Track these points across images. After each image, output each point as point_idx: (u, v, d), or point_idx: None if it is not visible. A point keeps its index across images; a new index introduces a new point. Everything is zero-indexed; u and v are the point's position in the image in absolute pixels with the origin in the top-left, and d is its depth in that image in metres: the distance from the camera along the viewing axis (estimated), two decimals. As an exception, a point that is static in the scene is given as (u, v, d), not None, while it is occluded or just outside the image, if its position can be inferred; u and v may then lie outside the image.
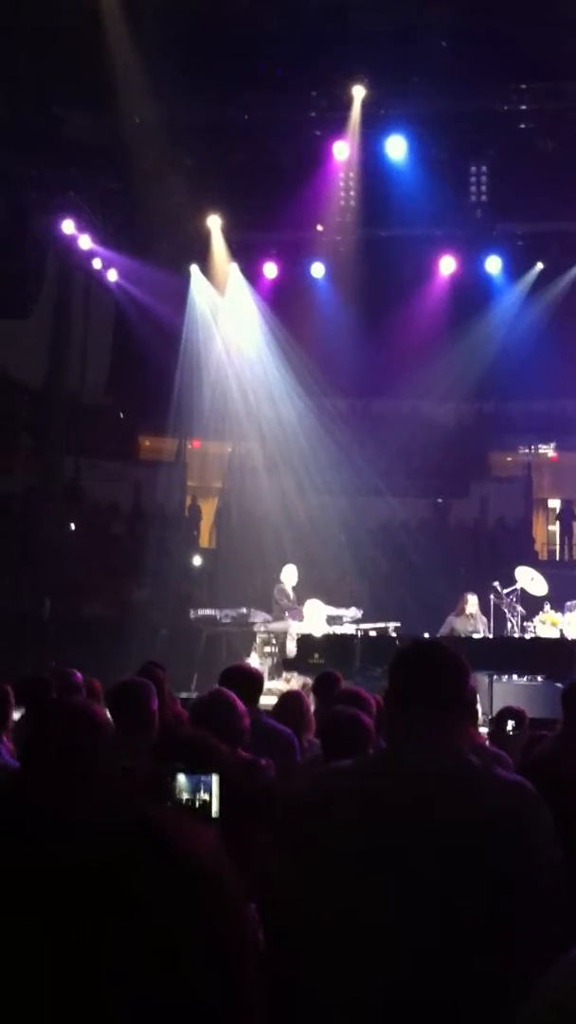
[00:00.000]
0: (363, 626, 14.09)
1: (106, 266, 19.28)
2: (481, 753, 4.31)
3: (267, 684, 13.35)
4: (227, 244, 18.75)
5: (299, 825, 2.70)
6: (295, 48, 15.02)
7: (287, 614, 14.43)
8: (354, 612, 14.70)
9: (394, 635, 13.70)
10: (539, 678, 12.41)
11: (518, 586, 14.27)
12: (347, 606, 14.90)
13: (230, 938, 0.83)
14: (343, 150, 16.86)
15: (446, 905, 2.35)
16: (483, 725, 7.99)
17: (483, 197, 16.96)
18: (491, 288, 19.32)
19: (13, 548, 18.99)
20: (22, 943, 0.78)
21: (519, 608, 14.04)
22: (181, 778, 2.87)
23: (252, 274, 19.35)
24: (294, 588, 14.78)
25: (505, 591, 14.11)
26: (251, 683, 5.46)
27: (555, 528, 23.94)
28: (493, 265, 18.71)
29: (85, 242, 18.40)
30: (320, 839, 2.55)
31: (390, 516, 21.79)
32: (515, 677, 12.54)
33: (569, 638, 13.05)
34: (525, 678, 12.54)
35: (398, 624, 14.36)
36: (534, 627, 13.74)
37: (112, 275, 19.45)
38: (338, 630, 13.83)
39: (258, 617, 15.17)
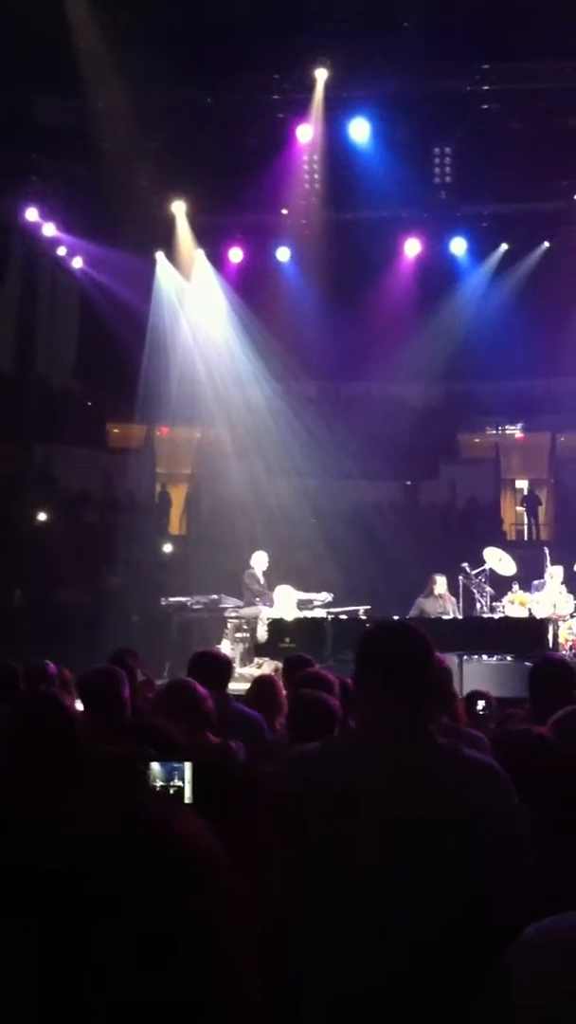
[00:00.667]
0: (334, 610, 14.12)
1: (71, 253, 19.15)
2: (457, 735, 4.34)
3: (239, 670, 13.39)
4: (192, 229, 18.66)
5: (271, 816, 2.72)
6: (258, 31, 14.95)
7: (258, 600, 14.43)
8: (325, 596, 14.73)
9: (364, 618, 13.74)
10: (509, 657, 12.50)
11: (487, 567, 14.35)
12: (318, 590, 14.92)
13: (226, 933, 0.84)
14: (307, 133, 16.81)
15: (422, 889, 2.37)
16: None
17: (447, 178, 16.96)
18: (457, 269, 19.37)
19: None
20: (13, 945, 0.78)
21: (488, 588, 14.12)
22: (155, 766, 2.89)
23: (218, 259, 19.28)
24: (264, 573, 14.78)
25: (474, 572, 14.18)
26: (219, 668, 5.47)
27: (522, 509, 24.09)
28: (458, 246, 18.75)
29: (50, 229, 18.25)
30: (293, 829, 2.57)
31: (360, 499, 21.84)
32: (485, 657, 12.62)
33: (537, 617, 13.15)
34: (495, 658, 12.62)
35: (368, 607, 14.40)
36: (503, 607, 13.83)
37: (77, 262, 19.32)
38: (309, 614, 13.85)
39: (229, 603, 15.17)
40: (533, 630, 12.70)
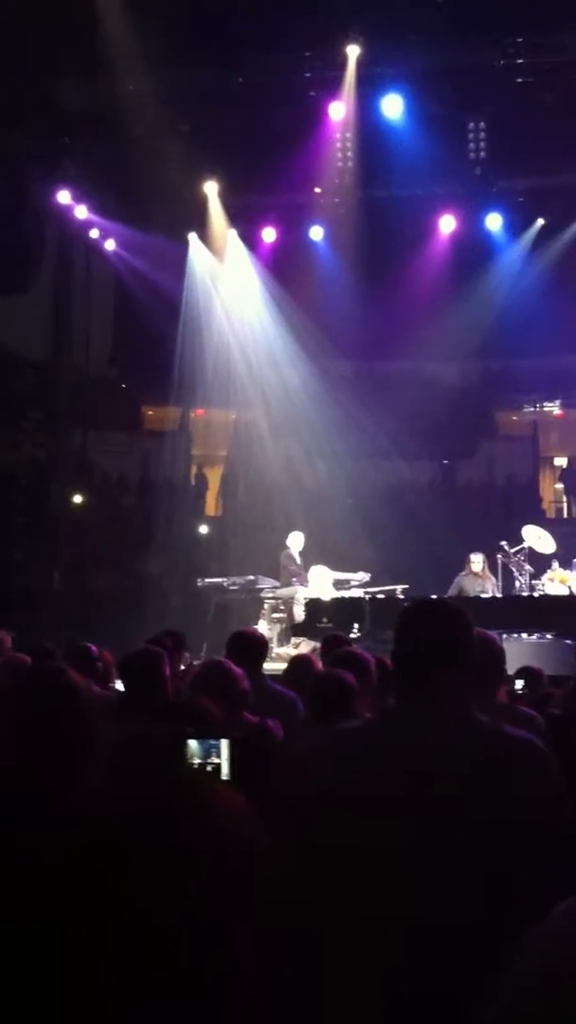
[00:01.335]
0: (371, 589, 14.11)
1: (104, 236, 19.18)
2: (513, 714, 4.32)
3: (276, 650, 13.45)
4: (225, 210, 18.62)
5: (305, 800, 2.71)
6: (288, 8, 14.85)
7: (294, 580, 14.46)
8: (362, 576, 14.72)
9: (402, 597, 13.72)
10: (549, 635, 12.45)
11: (526, 545, 14.28)
12: (355, 570, 14.92)
13: (231, 930, 0.82)
14: (339, 110, 16.69)
15: (452, 869, 2.36)
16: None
17: (482, 154, 16.79)
18: (492, 246, 19.19)
19: (23, 522, 19.03)
20: (28, 943, 0.77)
21: (527, 567, 14.05)
22: (192, 743, 2.91)
23: (251, 239, 19.22)
24: (301, 554, 14.79)
25: (513, 550, 14.12)
26: (254, 647, 5.51)
27: (562, 486, 23.93)
28: (494, 222, 18.56)
29: (82, 212, 18.29)
30: (322, 809, 2.56)
31: (398, 478, 21.78)
32: (525, 635, 12.57)
33: (578, 595, 13.08)
34: (535, 636, 12.58)
35: (406, 586, 14.38)
36: (543, 585, 13.76)
37: (110, 245, 19.35)
38: (346, 594, 13.86)
39: (266, 584, 15.21)
40: (573, 607, 12.63)
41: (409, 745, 2.51)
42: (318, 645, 10.43)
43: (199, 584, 16.32)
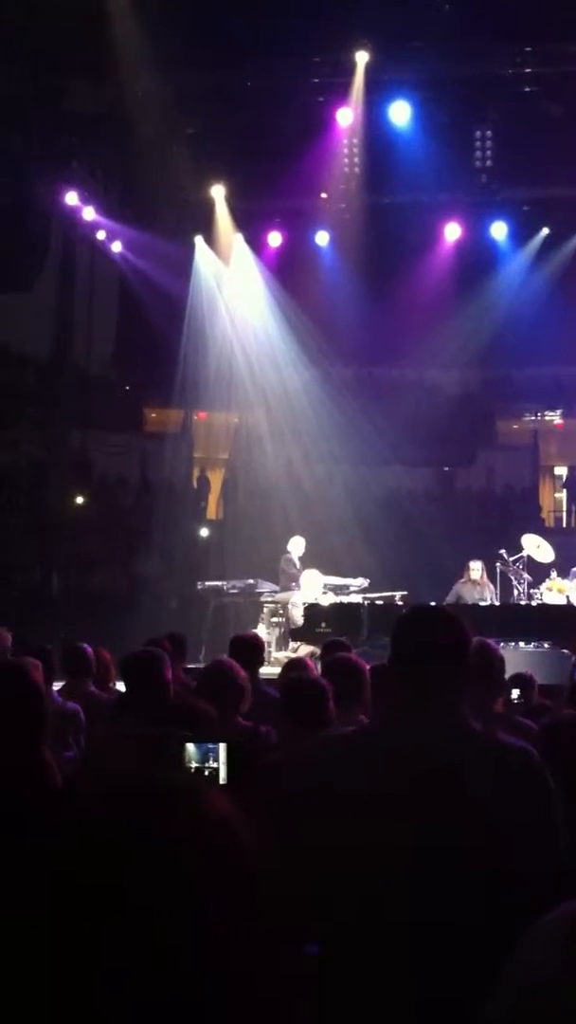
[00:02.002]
0: (370, 595, 14.11)
1: (110, 237, 19.19)
2: (509, 722, 4.32)
3: (275, 654, 13.44)
4: (231, 213, 18.64)
5: (305, 798, 2.72)
6: (297, 13, 14.88)
7: (294, 584, 14.46)
8: (360, 581, 14.72)
9: (400, 604, 13.72)
10: (546, 645, 12.44)
11: (524, 553, 14.27)
12: (354, 575, 14.92)
13: (247, 930, 0.82)
14: (347, 116, 16.73)
15: (446, 871, 2.37)
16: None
17: (488, 162, 16.81)
18: (496, 254, 19.21)
19: (21, 521, 19.03)
20: (22, 944, 0.76)
21: (526, 575, 14.05)
22: (190, 747, 2.92)
23: (256, 243, 19.24)
24: (300, 559, 14.80)
25: (512, 558, 14.12)
26: (251, 650, 5.54)
27: (562, 495, 23.91)
28: (498, 231, 18.59)
29: (88, 213, 18.30)
30: (319, 811, 2.57)
31: (397, 485, 21.77)
32: (522, 644, 12.57)
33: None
34: (532, 645, 12.57)
35: (405, 593, 14.38)
36: (541, 594, 13.76)
37: (116, 246, 19.36)
38: (345, 599, 13.86)
39: (265, 588, 15.21)
40: (571, 617, 12.62)
41: (405, 749, 2.53)
42: (316, 650, 10.44)
43: (198, 587, 16.31)
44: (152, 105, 16.20)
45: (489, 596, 13.96)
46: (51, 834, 0.83)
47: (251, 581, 15.50)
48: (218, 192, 18.21)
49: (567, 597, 13.46)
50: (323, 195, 18.04)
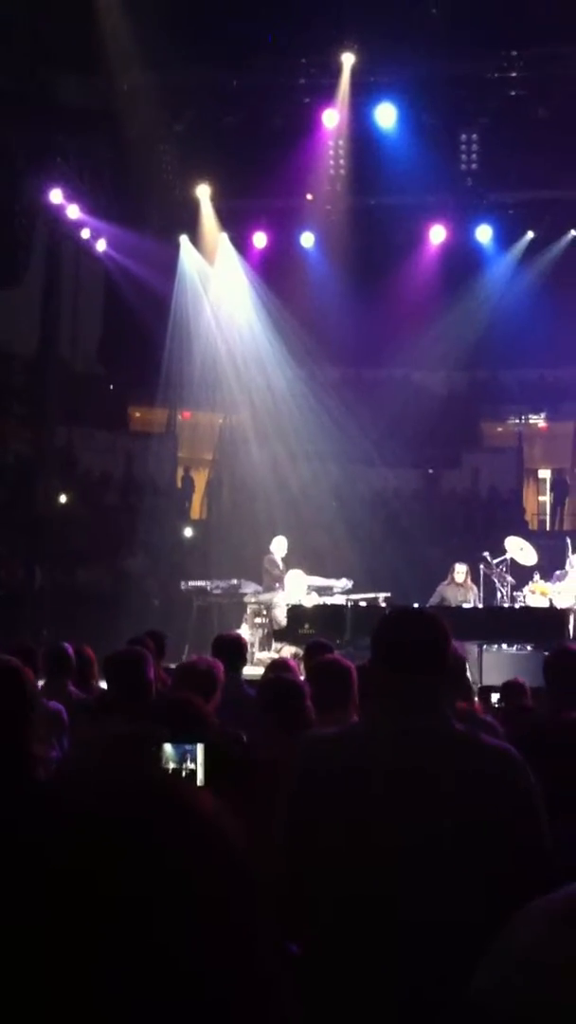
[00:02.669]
0: (353, 596, 14.11)
1: (95, 235, 19.16)
2: (472, 720, 4.34)
3: (258, 655, 13.43)
4: (216, 213, 18.64)
5: (290, 799, 2.72)
6: (284, 15, 14.89)
7: (277, 585, 14.46)
8: (344, 583, 14.72)
9: (384, 605, 13.73)
10: (528, 647, 12.47)
11: (508, 556, 14.30)
12: (338, 576, 14.92)
13: (242, 928, 0.82)
14: (333, 118, 16.74)
15: (433, 870, 2.38)
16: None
17: (473, 165, 16.87)
18: (482, 257, 19.26)
19: (6, 518, 18.97)
20: (16, 946, 0.76)
21: (509, 578, 14.07)
22: (167, 747, 2.90)
23: (242, 243, 19.24)
24: (283, 559, 14.79)
25: (495, 561, 14.14)
26: (235, 651, 5.54)
27: (546, 498, 23.97)
28: (483, 234, 18.64)
29: (74, 211, 18.26)
30: (310, 815, 2.57)
31: (382, 486, 21.80)
32: (505, 646, 12.60)
33: (558, 607, 13.11)
34: (515, 647, 12.60)
35: (388, 595, 14.39)
36: (524, 597, 13.78)
37: (101, 244, 19.33)
38: (328, 600, 13.86)
39: (249, 588, 15.19)
40: (553, 620, 12.65)
41: (389, 750, 2.53)
42: (299, 651, 10.44)
43: (182, 587, 16.29)
44: (139, 104, 16.18)
45: (473, 598, 13.98)
46: (44, 832, 0.82)
47: (235, 581, 15.49)
48: (203, 192, 18.20)
49: (550, 600, 13.49)
50: (309, 196, 18.06)
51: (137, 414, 23.95)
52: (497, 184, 17.42)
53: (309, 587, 14.19)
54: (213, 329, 19.84)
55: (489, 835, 2.40)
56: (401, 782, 2.46)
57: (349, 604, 13.38)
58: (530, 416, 24.65)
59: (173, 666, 7.91)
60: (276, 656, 11.93)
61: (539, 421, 24.75)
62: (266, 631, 14.37)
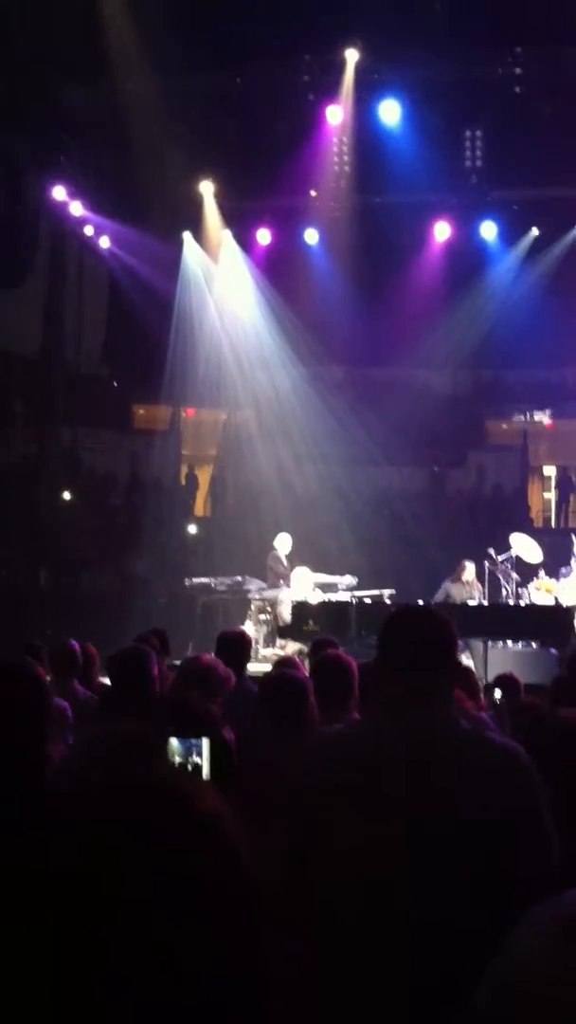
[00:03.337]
0: (358, 593, 14.11)
1: (98, 233, 19.15)
2: (464, 715, 4.33)
3: (262, 651, 13.44)
4: (220, 211, 18.62)
5: (298, 797, 2.71)
6: (288, 11, 14.87)
7: (281, 582, 14.47)
8: (349, 580, 14.73)
9: (389, 602, 13.73)
10: (533, 644, 12.47)
11: (513, 553, 14.29)
12: (342, 574, 14.93)
13: (245, 931, 0.82)
14: (337, 115, 16.72)
15: (441, 867, 2.37)
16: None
17: (478, 162, 16.84)
18: (486, 255, 19.23)
19: (10, 518, 18.99)
20: (23, 947, 0.76)
21: (514, 575, 14.07)
22: (173, 742, 2.90)
23: (245, 241, 19.22)
24: (287, 556, 14.80)
25: (500, 558, 14.14)
26: (239, 648, 5.54)
27: (551, 496, 23.96)
28: (488, 231, 18.60)
29: (77, 208, 18.26)
30: (317, 814, 2.56)
31: (387, 485, 21.79)
32: (510, 644, 12.59)
33: (563, 605, 13.09)
34: (520, 644, 12.59)
35: (393, 592, 14.39)
36: (529, 594, 13.78)
37: (104, 242, 19.32)
38: (333, 597, 13.86)
39: (253, 585, 15.21)
40: (559, 617, 12.65)
41: (396, 748, 2.52)
42: (304, 648, 10.44)
43: (186, 584, 16.30)
44: (143, 102, 16.17)
45: (478, 596, 13.99)
46: (48, 834, 0.82)
47: (239, 578, 15.50)
48: (207, 189, 18.19)
49: (555, 597, 13.48)
50: (313, 193, 18.04)
51: (141, 412, 23.97)
52: (502, 181, 17.39)
53: (315, 584, 14.21)
54: (217, 326, 19.83)
55: (495, 833, 2.39)
56: (408, 780, 2.45)
57: (354, 601, 13.38)
58: (535, 414, 24.63)
59: (178, 663, 7.91)
60: (280, 652, 11.94)
61: (544, 419, 24.72)
62: (270, 628, 14.39)
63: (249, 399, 20.40)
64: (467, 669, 4.64)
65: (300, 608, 13.19)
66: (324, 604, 13.39)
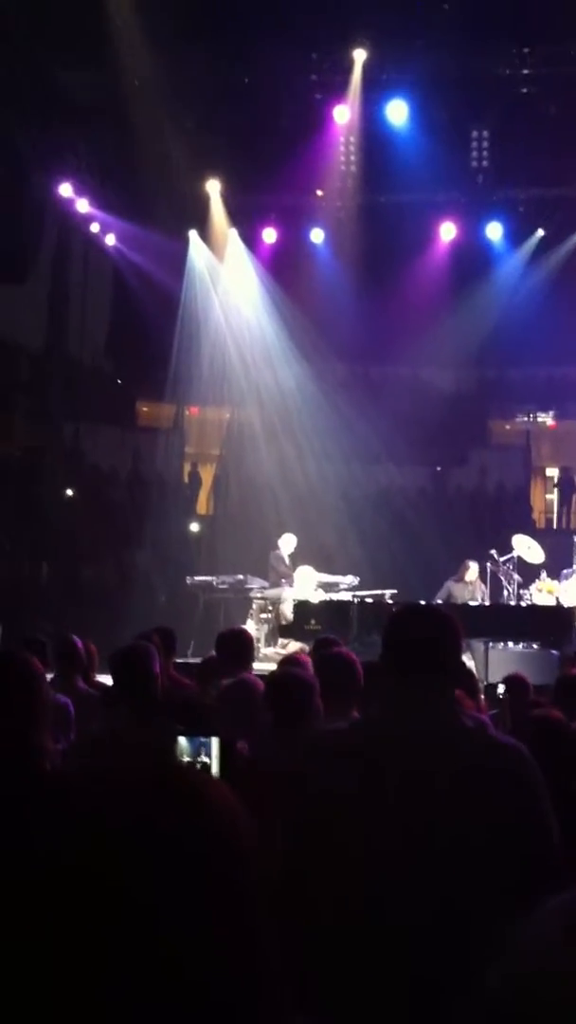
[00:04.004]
0: (360, 593, 14.10)
1: (104, 230, 19.15)
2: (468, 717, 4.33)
3: (264, 650, 13.43)
4: (226, 209, 18.61)
5: (298, 796, 2.72)
6: (296, 10, 14.86)
7: (283, 581, 14.46)
8: (350, 579, 14.72)
9: (391, 602, 13.72)
10: (535, 645, 12.45)
11: (515, 554, 14.28)
12: (344, 573, 14.92)
13: (252, 931, 0.82)
14: (344, 114, 16.72)
15: (445, 867, 2.37)
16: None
17: (484, 162, 16.84)
18: (492, 254, 19.22)
19: (12, 512, 18.98)
20: (24, 946, 0.76)
21: (516, 576, 14.06)
22: (182, 741, 2.91)
23: (251, 239, 19.21)
24: (291, 556, 14.79)
25: (502, 559, 14.13)
26: (241, 646, 5.54)
27: (553, 496, 23.93)
28: (494, 231, 18.60)
29: (83, 205, 18.26)
30: (319, 814, 2.57)
31: (389, 483, 21.76)
32: (511, 644, 12.58)
33: (565, 606, 13.09)
34: (521, 645, 12.58)
35: (395, 591, 14.38)
36: (530, 595, 13.77)
37: (110, 239, 19.32)
38: (335, 597, 13.85)
39: (255, 583, 15.20)
40: (560, 618, 12.63)
41: (399, 747, 2.53)
42: (306, 647, 10.43)
43: (188, 582, 16.29)
44: (149, 99, 16.16)
45: (480, 596, 13.98)
46: (52, 831, 0.82)
47: (240, 577, 15.48)
48: (213, 187, 18.18)
49: (556, 598, 13.48)
50: (319, 192, 18.04)
51: (145, 409, 23.95)
52: (508, 181, 17.39)
53: (318, 583, 14.21)
54: (221, 325, 19.82)
55: (500, 832, 2.39)
56: (410, 780, 2.46)
57: (355, 600, 13.37)
58: (538, 414, 24.60)
59: (179, 660, 7.92)
60: (282, 652, 11.95)
61: (547, 419, 24.70)
62: (272, 626, 14.38)
63: (253, 397, 20.38)
64: (468, 671, 4.65)
65: (302, 607, 13.17)
66: (326, 603, 13.38)
